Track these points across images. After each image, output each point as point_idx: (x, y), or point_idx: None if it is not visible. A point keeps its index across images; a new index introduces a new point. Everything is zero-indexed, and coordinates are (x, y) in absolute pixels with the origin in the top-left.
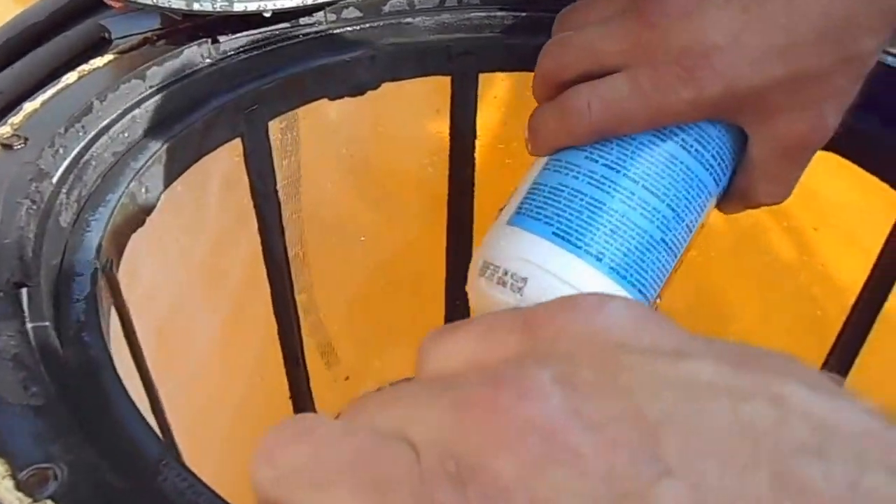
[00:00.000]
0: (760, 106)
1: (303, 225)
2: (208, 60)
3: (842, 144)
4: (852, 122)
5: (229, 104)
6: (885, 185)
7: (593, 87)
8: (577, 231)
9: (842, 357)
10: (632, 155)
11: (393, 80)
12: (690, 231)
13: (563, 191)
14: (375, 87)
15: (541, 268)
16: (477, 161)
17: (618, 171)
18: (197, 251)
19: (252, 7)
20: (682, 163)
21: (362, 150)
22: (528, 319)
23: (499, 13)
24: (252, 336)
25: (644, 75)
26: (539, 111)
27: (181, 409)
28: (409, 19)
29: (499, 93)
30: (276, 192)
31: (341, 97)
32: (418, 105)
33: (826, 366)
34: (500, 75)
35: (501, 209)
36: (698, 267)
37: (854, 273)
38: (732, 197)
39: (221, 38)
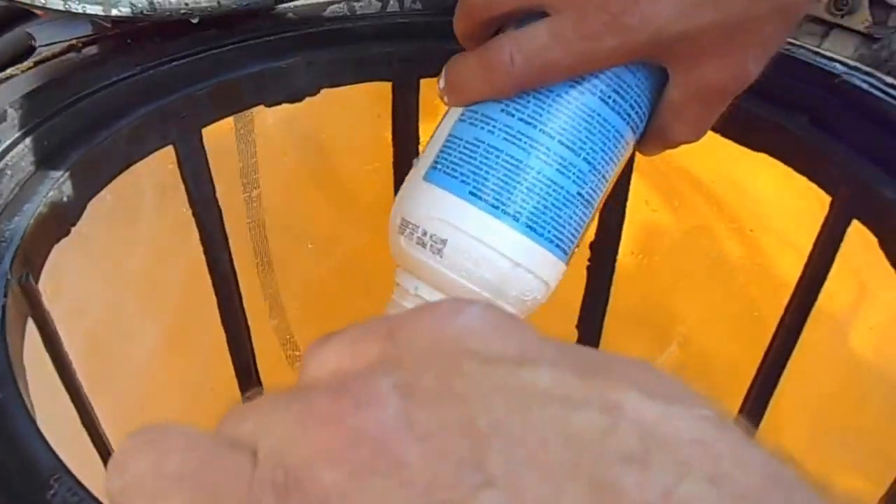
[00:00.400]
0: (687, 51)
1: (265, 229)
2: (137, 67)
3: (772, 145)
4: (783, 122)
5: (158, 111)
6: (814, 186)
7: (515, 39)
8: (493, 191)
9: (776, 357)
10: (549, 109)
11: (332, 86)
12: (607, 181)
13: (478, 146)
14: (314, 94)
15: (459, 229)
16: None
17: (534, 126)
18: (132, 262)
19: (177, 13)
20: (599, 115)
21: (309, 155)
22: (391, 327)
23: (440, 18)
24: (200, 347)
25: (568, 23)
26: (458, 62)
27: (122, 422)
28: (349, 25)
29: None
30: (215, 199)
31: (278, 104)
32: (359, 111)
33: (762, 366)
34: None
35: (416, 158)
36: (643, 269)
37: (789, 273)
38: (648, 138)
39: (150, 45)
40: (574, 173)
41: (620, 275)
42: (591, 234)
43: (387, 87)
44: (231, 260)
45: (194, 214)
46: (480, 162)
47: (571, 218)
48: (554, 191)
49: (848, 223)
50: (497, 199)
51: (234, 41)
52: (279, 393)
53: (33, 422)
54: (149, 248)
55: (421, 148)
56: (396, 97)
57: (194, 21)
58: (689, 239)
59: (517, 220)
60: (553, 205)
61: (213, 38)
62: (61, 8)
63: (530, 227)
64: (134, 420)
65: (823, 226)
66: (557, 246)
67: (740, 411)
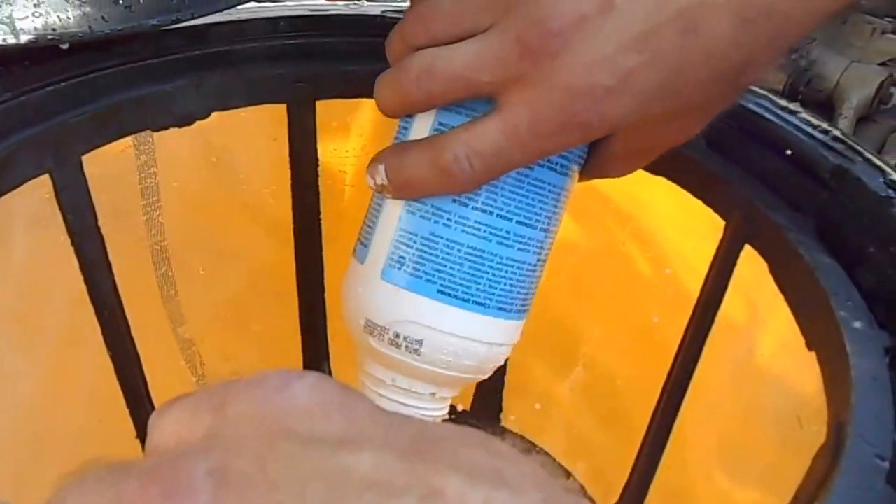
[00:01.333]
0: (636, 125)
1: (168, 250)
2: (7, 94)
3: (670, 168)
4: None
5: (32, 138)
6: (708, 209)
7: (466, 142)
8: (462, 286)
9: (679, 376)
10: (502, 194)
11: (223, 109)
12: (555, 234)
13: (437, 241)
14: (204, 117)
15: (432, 329)
16: (321, 189)
17: (490, 213)
18: (4, 297)
19: (42, 39)
20: (549, 183)
21: (204, 177)
22: (225, 400)
23: (331, 39)
24: (85, 380)
25: (523, 121)
26: (400, 158)
27: (16, 470)
28: (238, 46)
29: (339, 120)
30: (97, 227)
31: (166, 128)
32: (253, 134)
33: (666, 385)
34: (337, 102)
35: (357, 249)
36: (548, 290)
37: (689, 294)
38: (582, 174)
39: (18, 70)
40: (534, 246)
41: None
42: None
43: (281, 109)
44: (115, 288)
45: (73, 244)
46: (443, 258)
47: (533, 283)
48: (518, 268)
49: (741, 247)
50: (466, 293)
51: (113, 64)
52: (111, 464)
53: None
54: (20, 283)
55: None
56: (292, 119)
57: (64, 47)
58: (595, 257)
59: (488, 308)
60: (518, 281)
61: (91, 62)
62: None
63: (501, 308)
64: (28, 466)
65: (718, 249)
66: (522, 312)
67: (647, 430)
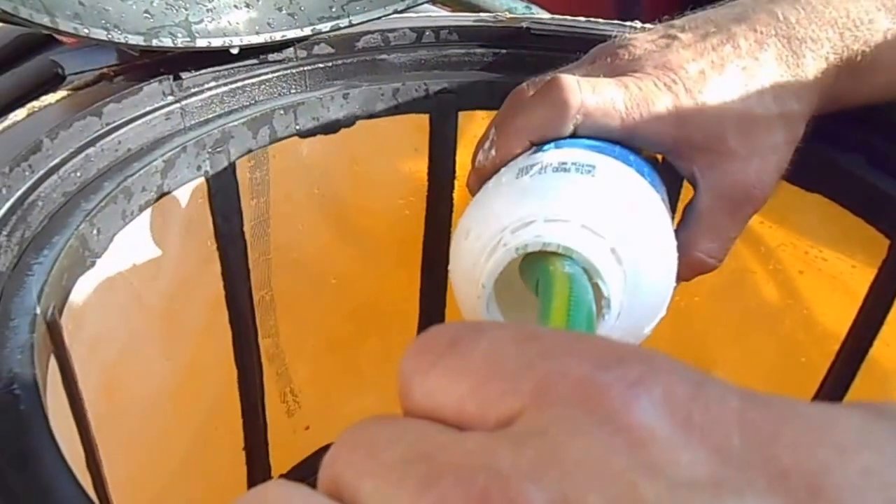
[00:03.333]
0: (713, 150)
1: (270, 267)
2: (170, 98)
3: (828, 185)
4: (839, 161)
5: (192, 143)
6: (870, 227)
7: None
8: None
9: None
10: None
11: (368, 117)
12: None
13: None
14: (349, 125)
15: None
16: (454, 202)
17: None
18: (152, 296)
19: (216, 43)
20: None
21: (336, 189)
22: (535, 374)
23: (478, 49)
24: (208, 385)
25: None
26: None
27: (121, 463)
28: (383, 56)
29: (478, 131)
30: (242, 233)
31: (313, 135)
32: (395, 144)
33: None
34: (479, 113)
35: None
36: (679, 312)
37: (839, 318)
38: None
39: (184, 75)
40: None
41: None
42: None
43: (424, 118)
44: (251, 296)
45: (219, 248)
46: None
47: None
48: None
49: None
50: None
51: (266, 71)
52: (384, 435)
53: (69, 470)
54: (169, 282)
55: (456, 184)
56: (434, 129)
57: (234, 52)
58: (731, 281)
59: None
60: None
61: (246, 69)
62: (104, 38)
63: None
64: (135, 464)
65: (880, 270)
66: None
67: None
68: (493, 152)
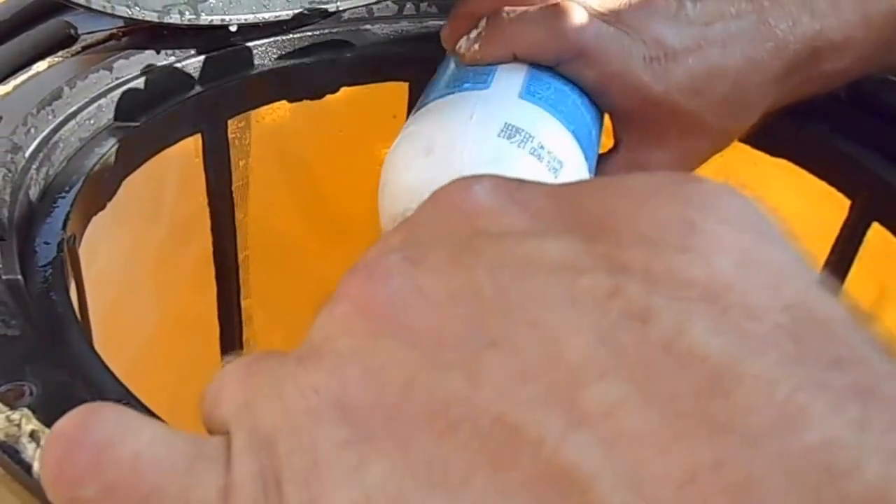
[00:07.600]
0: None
1: (247, 230)
2: (172, 58)
3: (792, 150)
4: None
5: (191, 100)
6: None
7: None
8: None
9: None
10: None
11: (352, 84)
12: None
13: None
14: (335, 91)
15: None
16: None
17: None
18: (150, 243)
19: (217, 20)
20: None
21: (312, 155)
22: (412, 219)
23: None
24: (189, 339)
25: None
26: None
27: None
28: (367, 26)
29: None
30: (231, 192)
31: (300, 100)
32: (375, 111)
33: None
34: None
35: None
36: None
37: None
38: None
39: (185, 39)
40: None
41: None
42: None
43: (403, 87)
44: (237, 254)
45: (209, 205)
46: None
47: None
48: None
49: (868, 225)
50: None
51: (262, 39)
52: None
53: (99, 358)
54: (163, 232)
55: None
56: (413, 97)
57: (232, 29)
58: None
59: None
60: None
61: (241, 35)
62: (126, 14)
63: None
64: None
65: (842, 229)
66: None
67: None
68: (476, 46)
